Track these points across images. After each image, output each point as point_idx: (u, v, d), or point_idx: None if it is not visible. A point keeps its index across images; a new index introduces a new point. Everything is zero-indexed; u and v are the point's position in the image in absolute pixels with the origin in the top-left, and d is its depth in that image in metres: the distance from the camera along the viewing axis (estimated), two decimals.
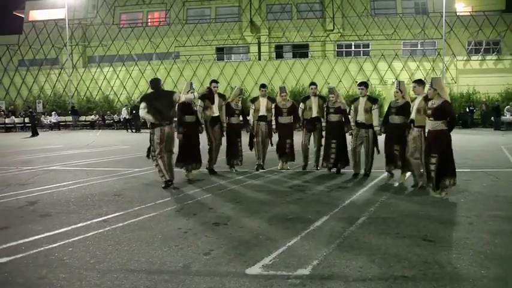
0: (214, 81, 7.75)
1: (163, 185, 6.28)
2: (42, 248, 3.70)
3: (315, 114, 7.72)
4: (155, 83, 6.51)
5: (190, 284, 2.92)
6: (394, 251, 3.55)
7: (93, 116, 28.16)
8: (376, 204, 5.24)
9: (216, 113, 7.47)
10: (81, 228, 4.32)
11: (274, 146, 8.16)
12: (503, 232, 4.05)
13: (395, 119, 6.45)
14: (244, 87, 27.76)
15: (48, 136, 21.22)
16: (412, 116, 5.97)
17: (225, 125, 7.62)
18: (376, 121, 6.93)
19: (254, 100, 8.09)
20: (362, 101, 7.13)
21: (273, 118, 7.96)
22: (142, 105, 6.30)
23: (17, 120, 27.08)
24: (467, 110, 24.36)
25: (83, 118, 28.79)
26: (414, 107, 5.98)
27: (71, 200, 5.68)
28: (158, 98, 6.32)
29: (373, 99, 7.19)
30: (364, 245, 3.70)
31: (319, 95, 7.98)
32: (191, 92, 6.81)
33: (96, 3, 31.72)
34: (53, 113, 27.63)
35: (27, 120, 26.46)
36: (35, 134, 20.83)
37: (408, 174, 6.56)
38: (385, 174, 6.96)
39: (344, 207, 5.12)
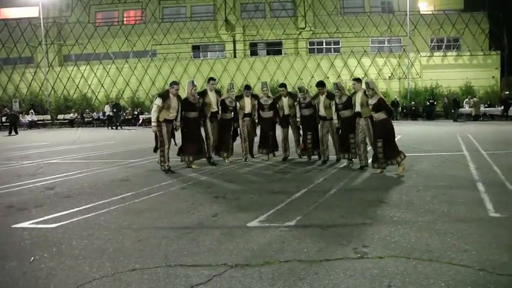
0: (212, 78, 8.53)
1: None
2: (79, 218, 4.61)
3: (286, 112, 8.69)
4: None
5: (208, 234, 3.92)
6: (358, 210, 4.66)
7: (72, 114, 28.38)
8: (345, 180, 6.39)
9: (215, 109, 8.28)
10: (104, 204, 5.22)
11: (258, 138, 9.11)
12: (441, 195, 5.26)
13: (345, 113, 7.52)
14: (220, 83, 28.73)
15: (29, 134, 21.50)
16: (358, 109, 7.14)
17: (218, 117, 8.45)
18: (335, 116, 7.75)
19: (239, 99, 8.91)
20: (322, 98, 8.03)
21: (255, 113, 8.91)
22: None
23: None
24: (428, 103, 26.14)
25: (61, 116, 28.99)
26: (357, 102, 7.14)
27: (84, 185, 6.54)
28: None
29: (330, 96, 7.94)
30: (335, 207, 4.81)
31: (290, 93, 8.87)
32: (194, 90, 7.82)
33: (71, 1, 31.76)
34: (31, 111, 27.68)
35: (4, 119, 26.47)
36: (11, 132, 20.96)
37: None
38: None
39: (319, 183, 6.23)
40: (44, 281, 2.96)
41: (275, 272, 2.99)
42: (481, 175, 6.55)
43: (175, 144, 7.89)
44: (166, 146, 7.49)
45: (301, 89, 8.47)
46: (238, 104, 8.77)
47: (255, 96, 9.01)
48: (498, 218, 4.26)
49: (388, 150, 6.69)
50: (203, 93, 8.22)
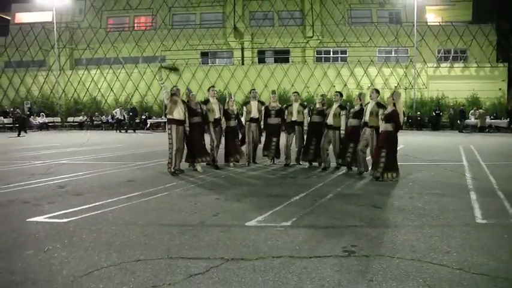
0: (212, 86, 8.95)
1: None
2: (89, 214, 4.91)
3: (294, 117, 8.95)
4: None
5: (208, 231, 4.20)
6: (351, 213, 4.91)
7: (81, 117, 28.93)
8: (342, 186, 6.64)
9: (218, 116, 8.64)
10: (112, 203, 5.52)
11: (262, 145, 9.41)
12: (433, 202, 5.49)
13: (353, 122, 7.88)
14: (228, 90, 29.17)
15: (40, 136, 21.98)
16: (366, 118, 7.43)
17: (223, 126, 8.79)
18: (343, 125, 8.15)
19: (246, 103, 9.29)
20: (334, 106, 8.41)
21: (262, 119, 9.18)
22: None
23: (5, 120, 27.56)
24: (434, 113, 26.27)
25: (71, 119, 29.60)
26: (368, 110, 7.45)
27: (93, 185, 6.86)
28: None
29: (342, 107, 8.37)
30: (330, 210, 5.06)
31: (300, 103, 9.16)
32: (192, 95, 8.25)
33: (84, 7, 32.47)
34: (41, 113, 28.26)
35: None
36: (20, 133, 21.47)
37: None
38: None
39: (317, 188, 6.49)
40: (58, 267, 3.25)
41: (267, 266, 3.26)
42: (476, 184, 6.77)
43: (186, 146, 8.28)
44: (175, 148, 7.82)
45: (321, 96, 9.14)
46: (245, 108, 9.14)
47: (261, 102, 9.31)
48: (484, 224, 4.49)
49: (390, 161, 6.96)
50: (206, 101, 8.62)
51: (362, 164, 7.70)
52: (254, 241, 3.86)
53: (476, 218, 4.69)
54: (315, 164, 8.89)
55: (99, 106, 30.84)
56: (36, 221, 4.62)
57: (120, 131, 24.67)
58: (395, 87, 29.55)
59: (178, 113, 7.86)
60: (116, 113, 25.66)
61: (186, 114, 7.98)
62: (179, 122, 7.90)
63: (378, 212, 5.00)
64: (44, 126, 27.79)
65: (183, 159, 8.35)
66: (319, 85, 29.55)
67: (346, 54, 31.35)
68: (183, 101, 8.12)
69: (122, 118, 24.99)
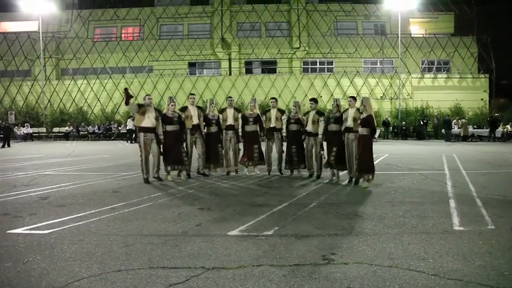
0: (192, 94, 9.12)
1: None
2: (71, 225, 4.89)
3: (272, 124, 9.04)
4: None
5: (190, 241, 4.22)
6: (332, 222, 4.99)
7: (67, 128, 28.66)
8: (326, 195, 6.72)
9: (196, 122, 8.73)
10: (95, 213, 5.50)
11: (242, 152, 9.37)
12: (413, 210, 5.60)
13: (333, 127, 8.01)
14: (216, 100, 29.24)
15: (24, 147, 21.72)
16: (349, 123, 7.60)
17: (204, 132, 8.91)
18: (320, 131, 8.28)
19: (222, 111, 9.24)
20: (311, 114, 8.58)
21: (240, 127, 9.17)
22: None
23: None
24: (421, 122, 26.73)
25: (56, 129, 29.28)
26: (350, 117, 7.64)
27: (77, 196, 6.82)
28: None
29: (320, 113, 8.57)
30: (311, 219, 5.13)
31: (278, 108, 9.25)
32: (172, 105, 8.35)
33: (70, 17, 32.37)
34: (26, 124, 27.93)
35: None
36: (4, 145, 21.06)
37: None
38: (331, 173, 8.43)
39: (300, 198, 6.56)
40: (37, 279, 3.24)
41: (247, 274, 3.29)
42: (455, 192, 6.92)
43: (161, 154, 8.32)
44: (144, 156, 8.01)
45: (294, 104, 9.04)
46: (221, 116, 9.10)
47: (238, 110, 9.32)
48: (461, 231, 4.59)
49: (364, 164, 7.19)
50: (184, 108, 8.74)
51: (353, 170, 7.80)
52: (236, 250, 3.90)
53: (454, 225, 4.80)
54: (304, 172, 8.92)
55: (85, 116, 30.63)
56: (16, 232, 4.58)
57: (131, 142, 24.33)
58: (381, 97, 30.05)
59: (146, 122, 8.00)
60: (129, 123, 25.50)
61: (160, 121, 8.09)
62: (147, 130, 8.03)
63: (359, 220, 5.08)
64: (28, 137, 27.44)
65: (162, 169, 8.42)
66: (306, 95, 29.76)
67: (332, 65, 31.83)
68: (156, 109, 8.23)
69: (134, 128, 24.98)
